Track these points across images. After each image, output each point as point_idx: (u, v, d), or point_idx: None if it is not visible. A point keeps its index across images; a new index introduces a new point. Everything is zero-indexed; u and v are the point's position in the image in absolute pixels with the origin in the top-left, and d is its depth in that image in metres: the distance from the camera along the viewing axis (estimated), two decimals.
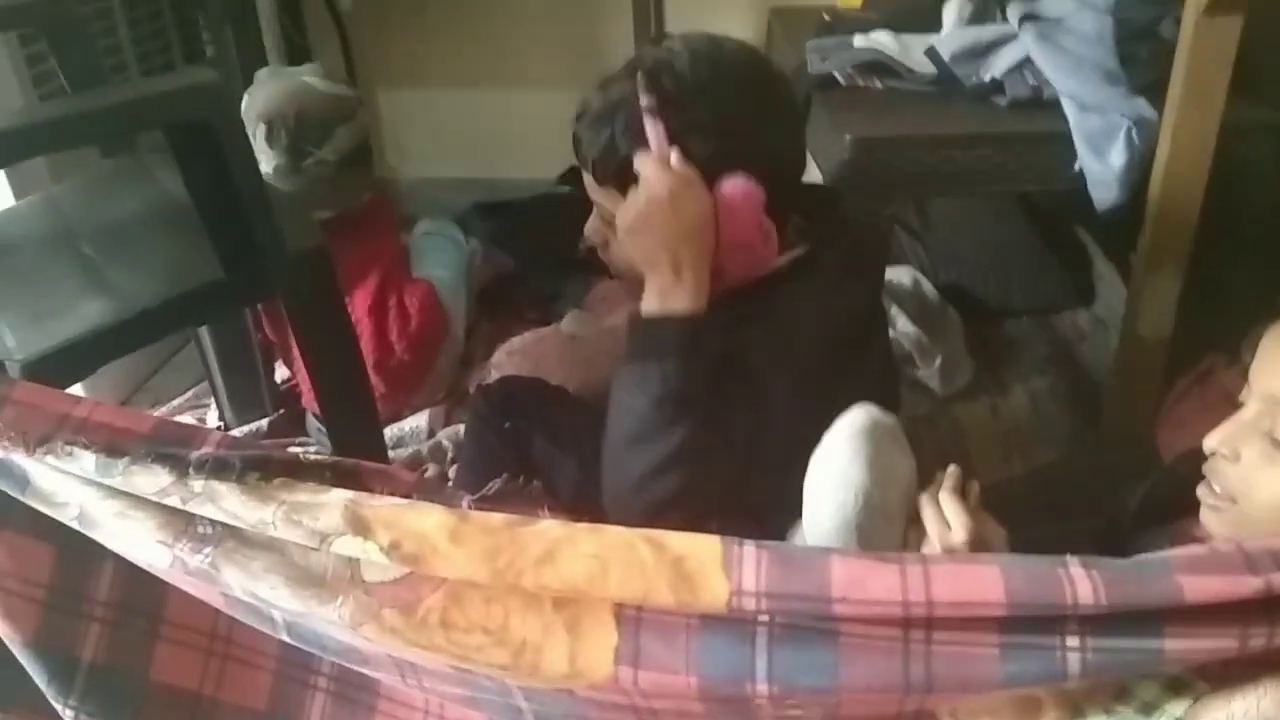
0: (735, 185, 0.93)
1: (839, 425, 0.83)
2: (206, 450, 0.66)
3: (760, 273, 0.99)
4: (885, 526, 0.81)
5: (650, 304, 0.94)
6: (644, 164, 0.93)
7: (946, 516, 0.80)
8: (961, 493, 0.83)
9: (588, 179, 1.02)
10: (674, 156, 0.92)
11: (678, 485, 0.90)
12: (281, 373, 1.70)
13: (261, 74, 1.53)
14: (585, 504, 0.96)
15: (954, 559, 0.58)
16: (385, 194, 1.77)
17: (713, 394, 0.92)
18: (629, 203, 0.95)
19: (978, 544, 0.79)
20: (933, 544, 0.81)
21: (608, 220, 1.02)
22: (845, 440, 0.81)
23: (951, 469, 0.84)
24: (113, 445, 0.65)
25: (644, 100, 0.92)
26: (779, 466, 0.87)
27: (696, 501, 0.90)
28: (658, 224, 0.92)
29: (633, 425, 0.92)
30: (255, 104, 1.50)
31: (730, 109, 0.95)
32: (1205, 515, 0.80)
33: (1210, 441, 0.79)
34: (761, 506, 0.93)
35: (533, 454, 1.17)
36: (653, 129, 0.92)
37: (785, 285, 0.99)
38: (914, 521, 0.82)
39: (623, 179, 0.96)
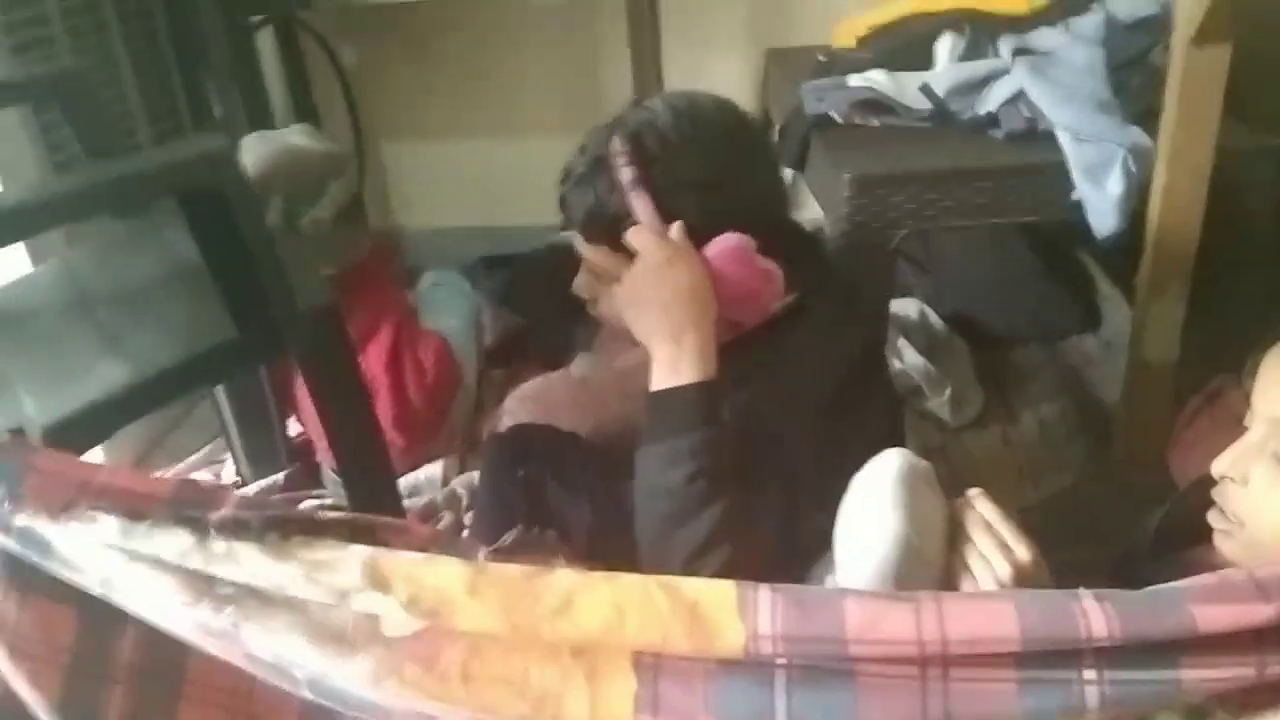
0: (726, 241, 0.95)
1: (873, 472, 0.82)
2: (226, 511, 0.67)
3: (767, 315, 1.00)
4: (924, 573, 0.80)
5: (661, 379, 0.93)
6: (635, 238, 0.95)
7: (1006, 540, 0.78)
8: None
9: (577, 239, 1.03)
10: (666, 228, 0.94)
11: (727, 558, 0.88)
12: (295, 427, 1.71)
13: (249, 140, 1.55)
14: (600, 548, 0.96)
15: (968, 596, 0.58)
16: (383, 244, 1.79)
17: (739, 457, 0.91)
18: (625, 280, 0.96)
19: (1022, 583, 0.77)
20: (976, 579, 0.78)
21: (598, 275, 1.03)
22: (882, 488, 0.80)
23: (975, 492, 0.83)
24: (134, 509, 0.66)
25: (626, 175, 0.94)
26: (803, 513, 0.87)
27: (748, 567, 0.87)
28: (655, 295, 0.93)
29: (668, 506, 0.90)
30: (245, 170, 1.51)
31: (716, 160, 0.97)
32: (1218, 540, 0.80)
33: (1218, 466, 0.79)
34: (791, 552, 0.93)
35: (547, 500, 1.18)
36: (639, 202, 0.94)
37: (779, 335, 1.00)
38: (950, 562, 0.81)
39: (613, 235, 0.98)
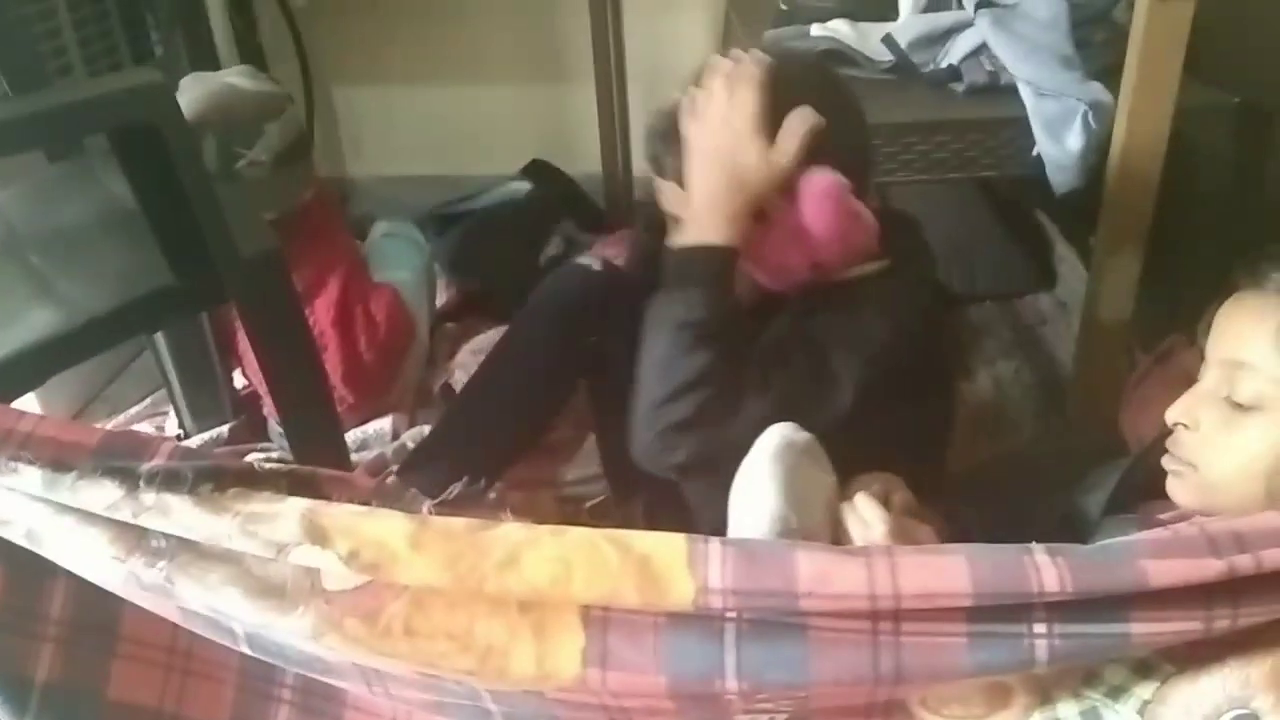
0: (820, 174, 0.95)
1: (755, 450, 0.83)
2: (157, 462, 0.64)
3: (858, 261, 1.01)
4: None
5: (684, 236, 0.96)
6: (733, 90, 0.95)
7: (863, 516, 0.81)
8: (884, 501, 0.83)
9: (670, 188, 1.01)
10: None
11: (693, 410, 0.91)
12: (241, 379, 1.67)
13: (185, 81, 1.49)
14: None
15: (920, 550, 0.58)
16: (328, 192, 1.74)
17: (738, 336, 0.94)
18: (694, 126, 0.96)
19: (900, 540, 0.79)
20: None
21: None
22: (757, 466, 0.81)
23: (863, 482, 0.85)
24: (59, 460, 0.64)
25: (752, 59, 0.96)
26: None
27: (713, 433, 0.91)
28: (725, 155, 0.94)
29: (657, 351, 0.94)
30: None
31: (819, 103, 0.96)
32: (1170, 485, 0.81)
33: (1171, 413, 0.80)
34: None
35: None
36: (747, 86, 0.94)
37: (860, 293, 1.01)
38: (841, 533, 0.82)
39: None
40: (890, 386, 0.98)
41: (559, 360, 1.21)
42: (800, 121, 0.94)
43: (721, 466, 0.85)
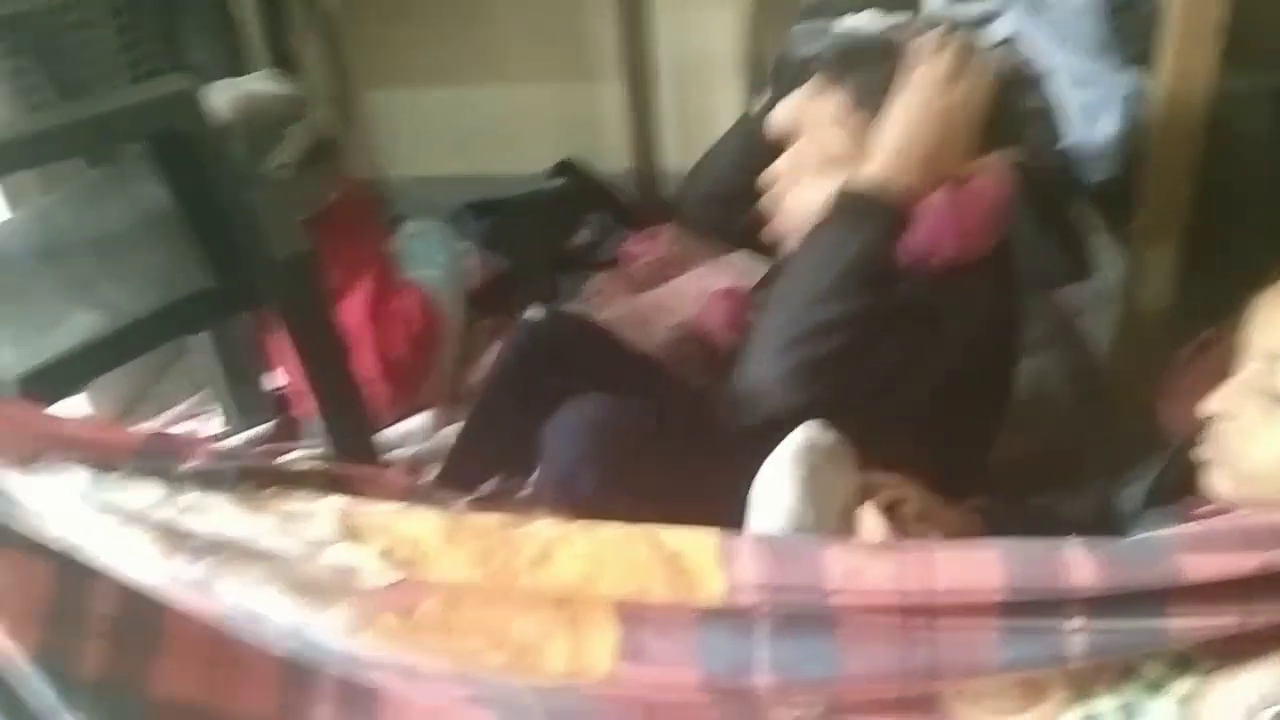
0: (1000, 165, 0.97)
1: (779, 450, 0.83)
2: (197, 463, 0.66)
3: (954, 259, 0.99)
4: None
5: (872, 174, 0.94)
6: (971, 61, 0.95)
7: (865, 528, 0.81)
8: (890, 510, 0.83)
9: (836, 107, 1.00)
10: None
11: (831, 350, 0.90)
12: (277, 378, 1.70)
13: (209, 88, 1.52)
14: None
15: (953, 545, 0.57)
16: (357, 192, 1.75)
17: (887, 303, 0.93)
18: (914, 80, 0.95)
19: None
20: None
21: (803, 158, 1.02)
22: (782, 467, 0.81)
23: (873, 487, 0.85)
24: (104, 460, 0.65)
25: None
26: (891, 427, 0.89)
27: (831, 388, 0.90)
28: (950, 113, 0.94)
29: (817, 283, 0.92)
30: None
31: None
32: (1208, 477, 0.80)
33: (1211, 404, 0.79)
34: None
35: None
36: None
37: (957, 285, 0.99)
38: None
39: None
40: (962, 383, 0.98)
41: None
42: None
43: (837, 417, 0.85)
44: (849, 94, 0.99)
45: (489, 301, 1.89)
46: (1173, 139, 1.24)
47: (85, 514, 0.66)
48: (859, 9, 1.49)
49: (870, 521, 0.81)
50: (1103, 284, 1.76)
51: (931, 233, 0.97)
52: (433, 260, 1.73)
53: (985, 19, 1.40)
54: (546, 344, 1.21)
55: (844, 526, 0.82)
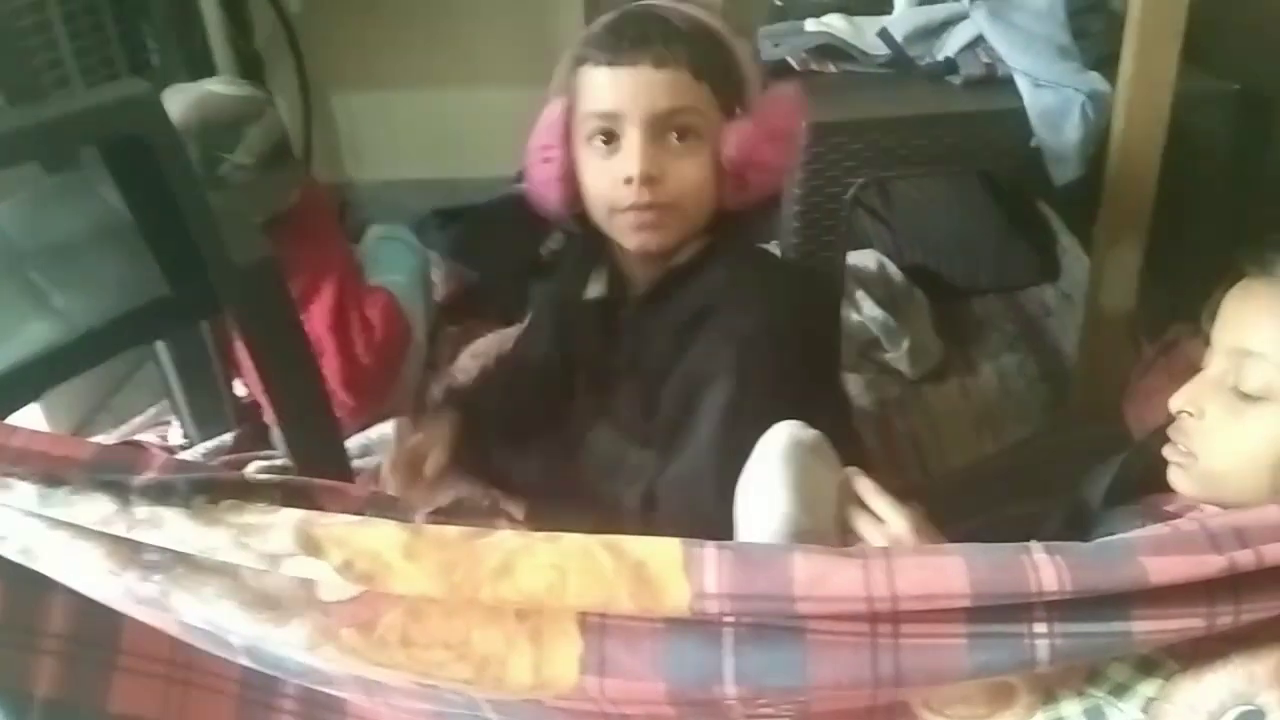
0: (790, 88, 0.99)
1: (762, 449, 0.82)
2: (150, 475, 0.64)
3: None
4: (818, 545, 0.80)
5: None
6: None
7: (880, 514, 0.79)
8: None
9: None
10: None
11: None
12: (241, 387, 1.67)
13: (165, 93, 1.49)
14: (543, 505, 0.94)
15: (917, 551, 0.57)
16: (319, 195, 1.73)
17: None
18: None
19: (923, 534, 0.78)
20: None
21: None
22: (766, 466, 0.80)
23: (852, 471, 0.83)
24: (51, 474, 0.63)
25: None
26: None
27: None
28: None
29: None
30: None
31: None
32: (1172, 474, 0.80)
33: (1175, 401, 0.79)
34: None
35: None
36: None
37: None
38: (848, 531, 0.81)
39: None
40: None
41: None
42: None
43: None
44: None
45: (457, 309, 1.88)
46: (1134, 142, 1.26)
47: (36, 529, 0.64)
48: (825, 11, 1.50)
49: (885, 509, 0.79)
50: (1070, 286, 1.78)
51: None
52: (399, 266, 1.71)
53: (950, 21, 1.41)
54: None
55: (836, 523, 0.81)
